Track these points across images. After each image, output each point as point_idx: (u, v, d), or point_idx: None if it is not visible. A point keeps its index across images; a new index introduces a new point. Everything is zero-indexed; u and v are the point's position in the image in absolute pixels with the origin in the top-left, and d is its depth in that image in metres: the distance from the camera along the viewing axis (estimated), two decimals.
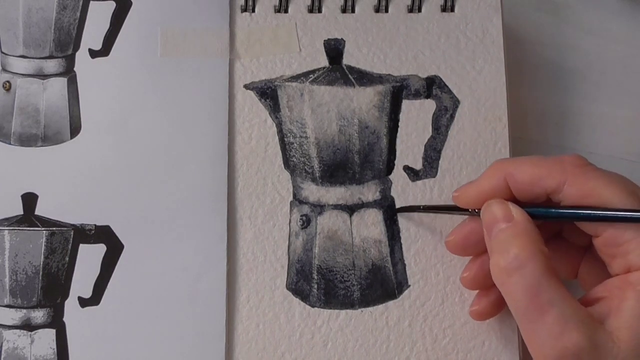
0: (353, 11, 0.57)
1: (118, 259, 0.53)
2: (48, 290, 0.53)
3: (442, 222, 0.54)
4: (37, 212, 0.54)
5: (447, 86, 0.55)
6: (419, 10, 0.57)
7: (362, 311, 0.53)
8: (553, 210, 0.48)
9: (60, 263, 0.53)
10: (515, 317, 0.45)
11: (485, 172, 0.50)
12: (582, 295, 0.47)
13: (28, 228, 0.53)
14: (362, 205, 0.54)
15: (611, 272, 0.47)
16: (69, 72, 0.56)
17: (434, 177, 0.54)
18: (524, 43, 0.62)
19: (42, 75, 0.56)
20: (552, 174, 0.47)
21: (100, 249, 0.53)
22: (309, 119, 0.54)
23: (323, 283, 0.53)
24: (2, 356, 0.52)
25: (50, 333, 0.53)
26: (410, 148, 0.55)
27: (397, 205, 0.54)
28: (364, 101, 0.54)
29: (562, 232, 0.51)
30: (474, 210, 0.49)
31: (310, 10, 0.57)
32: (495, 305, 0.51)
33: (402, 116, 0.55)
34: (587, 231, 0.47)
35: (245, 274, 0.53)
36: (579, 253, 0.51)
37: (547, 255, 0.45)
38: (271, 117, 0.55)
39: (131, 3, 0.56)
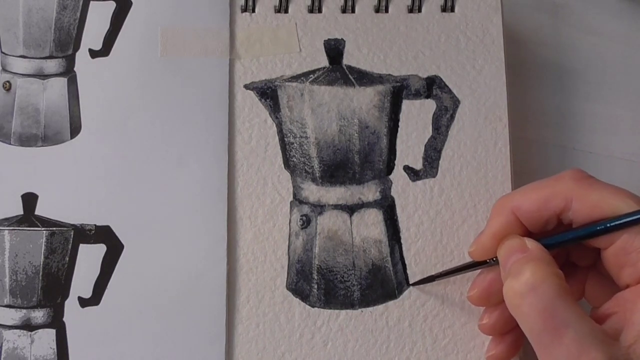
0: (353, 11, 0.57)
1: (118, 259, 0.53)
2: (48, 290, 0.53)
3: (442, 222, 0.54)
4: (37, 212, 0.54)
5: (447, 86, 0.55)
6: (419, 10, 0.57)
7: (362, 311, 0.53)
8: (566, 234, 0.48)
9: (60, 263, 0.53)
10: (530, 340, 0.45)
11: (491, 215, 0.50)
12: (592, 312, 0.47)
13: (28, 228, 0.53)
14: (362, 205, 0.54)
15: (620, 285, 0.46)
16: (69, 72, 0.56)
17: (434, 177, 0.54)
18: (524, 43, 0.62)
19: (42, 75, 0.56)
20: (557, 193, 0.47)
21: (100, 249, 0.53)
22: (309, 119, 0.54)
23: (323, 283, 0.53)
24: (2, 356, 0.52)
25: (50, 333, 0.53)
26: (410, 148, 0.55)
27: (397, 206, 0.54)
28: (364, 101, 0.54)
29: (569, 255, 0.51)
30: (492, 259, 0.49)
31: (310, 10, 0.57)
32: (511, 349, 0.51)
33: (402, 116, 0.55)
34: (597, 245, 0.47)
35: (245, 274, 0.53)
36: (584, 273, 0.51)
37: (561, 277, 0.45)
38: (271, 117, 0.55)
39: (131, 3, 0.56)
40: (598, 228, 0.46)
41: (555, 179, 0.48)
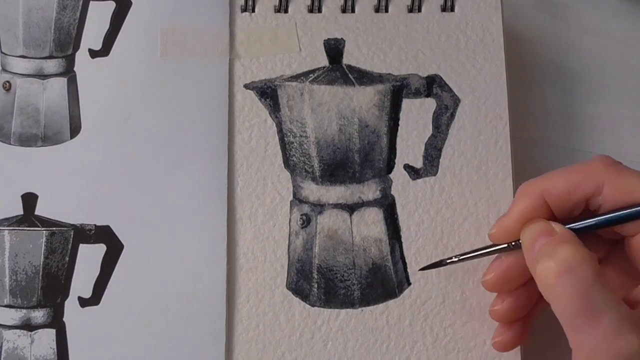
0: (353, 11, 0.57)
1: (118, 259, 0.53)
2: (48, 290, 0.53)
3: (442, 221, 0.54)
4: (37, 212, 0.54)
5: (447, 85, 0.55)
6: (419, 10, 0.57)
7: (362, 310, 0.53)
8: (594, 219, 0.47)
9: (60, 263, 0.53)
10: (562, 321, 0.44)
11: (517, 199, 0.49)
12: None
13: (28, 228, 0.53)
14: (363, 204, 0.54)
15: None
16: (69, 72, 0.56)
17: (435, 175, 0.54)
18: (524, 43, 0.62)
19: (42, 75, 0.56)
20: (587, 178, 0.47)
21: (100, 249, 0.53)
22: (309, 118, 0.54)
23: (323, 282, 0.53)
24: (2, 356, 0.52)
25: (50, 333, 0.53)
26: (410, 147, 0.55)
27: (398, 204, 0.54)
28: (364, 100, 0.54)
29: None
30: (511, 243, 0.49)
31: (310, 10, 0.57)
32: (518, 337, 0.51)
33: (402, 115, 0.55)
34: (624, 232, 0.47)
35: (245, 273, 0.53)
36: (604, 259, 0.51)
37: (596, 260, 0.44)
38: (271, 116, 0.55)
39: (131, 3, 0.56)
40: (629, 212, 0.45)
41: (585, 163, 0.47)
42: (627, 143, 0.61)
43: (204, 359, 0.52)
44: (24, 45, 0.56)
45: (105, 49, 0.56)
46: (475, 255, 0.51)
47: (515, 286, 0.49)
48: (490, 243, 0.50)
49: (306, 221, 0.54)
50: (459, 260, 0.51)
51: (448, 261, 0.51)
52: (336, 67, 0.56)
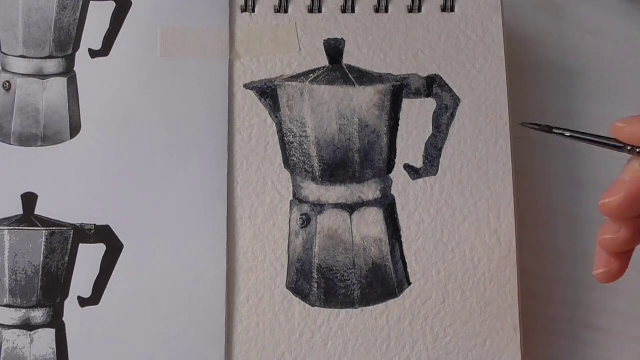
0: (353, 11, 0.57)
1: (118, 258, 0.53)
2: (48, 290, 0.53)
3: (443, 221, 0.54)
4: (37, 212, 0.54)
5: (447, 85, 0.55)
6: (419, 10, 0.57)
7: (362, 310, 0.53)
8: None
9: (60, 263, 0.53)
10: None
11: None
12: None
13: (28, 228, 0.53)
14: (363, 204, 0.54)
15: None
16: (69, 72, 0.56)
17: (435, 175, 0.54)
18: (524, 43, 0.62)
19: (42, 75, 0.56)
20: None
21: (100, 249, 0.53)
22: (309, 118, 0.54)
23: (323, 282, 0.53)
24: (2, 356, 0.52)
25: (50, 333, 0.53)
26: (410, 146, 0.55)
27: (398, 204, 0.54)
28: (364, 100, 0.54)
29: None
30: (627, 146, 0.45)
31: (310, 10, 0.57)
32: (623, 267, 0.47)
33: (402, 115, 0.55)
34: None
35: (245, 273, 0.53)
36: None
37: None
38: (271, 116, 0.55)
39: (131, 3, 0.56)
40: None
41: None
42: None
43: (204, 359, 0.52)
44: (24, 45, 0.56)
45: (105, 49, 0.56)
46: (586, 138, 0.47)
47: (636, 213, 0.45)
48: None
49: (306, 221, 0.54)
50: (568, 136, 0.47)
51: (555, 130, 0.47)
52: (336, 67, 0.56)
